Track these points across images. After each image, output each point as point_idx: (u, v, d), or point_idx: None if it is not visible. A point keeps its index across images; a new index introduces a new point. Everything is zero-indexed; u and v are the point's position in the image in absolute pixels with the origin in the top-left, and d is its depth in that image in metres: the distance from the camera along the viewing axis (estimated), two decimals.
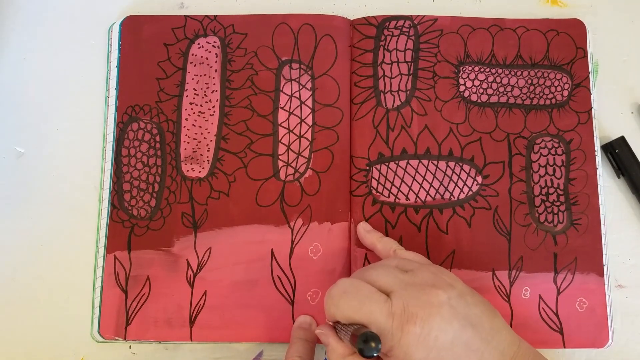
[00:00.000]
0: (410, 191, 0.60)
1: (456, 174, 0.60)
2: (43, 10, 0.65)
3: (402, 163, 0.60)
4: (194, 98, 0.62)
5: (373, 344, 0.41)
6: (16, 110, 0.63)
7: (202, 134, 0.61)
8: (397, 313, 0.44)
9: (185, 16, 0.63)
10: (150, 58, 0.63)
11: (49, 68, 0.64)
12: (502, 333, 0.47)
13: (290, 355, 0.53)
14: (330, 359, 0.49)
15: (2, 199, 0.61)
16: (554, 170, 0.60)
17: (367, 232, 0.57)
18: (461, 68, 0.62)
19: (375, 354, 0.41)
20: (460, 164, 0.60)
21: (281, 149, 0.60)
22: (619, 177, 0.61)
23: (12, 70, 0.64)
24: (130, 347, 0.58)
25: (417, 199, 0.60)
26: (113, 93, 0.62)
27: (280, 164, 0.60)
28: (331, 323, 0.50)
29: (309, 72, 0.62)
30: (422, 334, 0.44)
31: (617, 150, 0.60)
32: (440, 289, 0.46)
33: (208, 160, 0.60)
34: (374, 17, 0.63)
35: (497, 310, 0.49)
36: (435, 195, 0.60)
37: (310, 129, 0.61)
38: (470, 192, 0.60)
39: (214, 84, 0.62)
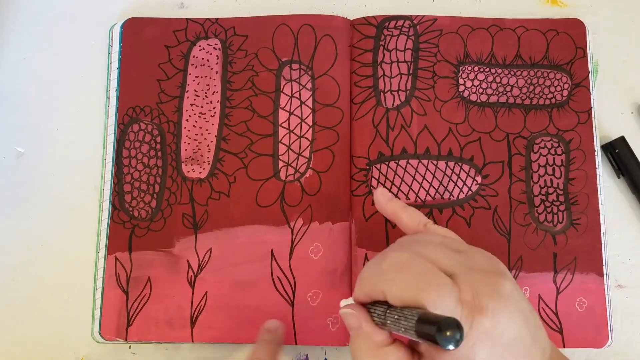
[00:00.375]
0: (410, 191, 0.60)
1: (456, 174, 0.60)
2: (43, 10, 0.65)
3: (402, 162, 0.60)
4: (194, 99, 0.62)
5: (453, 333, 0.34)
6: (16, 110, 0.63)
7: (202, 134, 0.61)
8: (466, 300, 0.38)
9: (187, 19, 0.63)
10: (151, 60, 0.63)
11: (49, 68, 0.64)
12: (542, 330, 0.42)
13: (251, 357, 0.49)
14: (358, 347, 0.41)
15: (2, 199, 0.61)
16: (554, 170, 0.60)
17: (388, 201, 0.51)
18: (461, 68, 0.63)
19: (451, 345, 0.34)
20: (460, 164, 0.60)
21: (281, 149, 0.60)
22: (619, 177, 0.61)
23: (12, 70, 0.64)
24: (130, 347, 0.58)
25: (417, 198, 0.60)
26: (113, 94, 0.62)
27: (281, 164, 0.60)
28: (362, 304, 0.43)
29: (309, 73, 0.62)
30: (490, 327, 0.38)
31: (617, 150, 0.61)
32: (503, 278, 0.41)
33: (208, 161, 0.60)
34: (373, 17, 0.63)
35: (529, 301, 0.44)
36: (435, 195, 0.60)
37: (311, 129, 0.61)
38: (470, 192, 0.60)
39: (215, 86, 0.62)
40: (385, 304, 0.41)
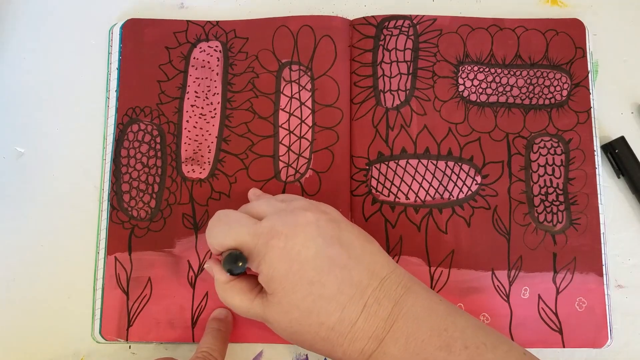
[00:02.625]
0: (410, 190, 0.60)
1: (455, 174, 0.60)
2: (43, 10, 0.65)
3: (402, 162, 0.60)
4: (195, 100, 0.62)
5: (240, 263, 0.46)
6: (16, 110, 0.63)
7: (203, 135, 0.61)
8: (263, 233, 0.47)
9: (188, 21, 0.63)
10: (151, 61, 0.63)
11: (49, 68, 0.64)
12: (375, 256, 0.48)
13: (200, 347, 0.53)
14: (217, 288, 0.51)
15: (2, 199, 0.61)
16: (553, 170, 0.60)
17: (257, 197, 0.56)
18: (460, 68, 0.63)
19: (239, 272, 0.47)
20: (460, 164, 0.60)
21: (282, 150, 0.60)
22: (619, 177, 0.61)
23: (12, 70, 0.64)
24: (130, 347, 0.58)
25: (417, 198, 0.60)
26: (113, 94, 0.62)
27: (281, 165, 0.60)
28: (218, 257, 0.51)
29: (309, 73, 0.62)
30: (285, 247, 0.46)
31: (617, 150, 0.61)
32: (310, 211, 0.48)
33: (209, 162, 0.60)
34: (373, 17, 0.63)
35: (374, 240, 0.50)
36: (434, 195, 0.60)
37: (311, 130, 0.61)
38: (470, 192, 0.60)
39: (216, 87, 0.62)
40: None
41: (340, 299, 0.45)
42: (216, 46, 0.63)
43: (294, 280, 0.46)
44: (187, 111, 0.62)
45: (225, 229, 0.48)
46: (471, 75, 0.62)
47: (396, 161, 0.60)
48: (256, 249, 0.47)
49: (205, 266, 0.53)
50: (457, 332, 0.45)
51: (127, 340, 0.57)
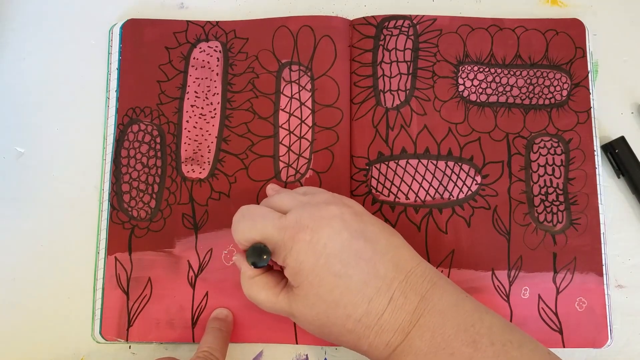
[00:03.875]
0: (410, 190, 0.60)
1: (455, 174, 0.60)
2: (43, 10, 0.65)
3: (402, 162, 0.60)
4: (195, 100, 0.62)
5: (264, 256, 0.47)
6: (16, 110, 0.63)
7: (202, 135, 0.61)
8: (289, 226, 0.47)
9: (187, 21, 0.63)
10: (151, 61, 0.63)
11: (49, 68, 0.64)
12: (400, 249, 0.48)
13: (200, 346, 0.53)
14: (242, 282, 0.52)
15: (2, 199, 0.61)
16: (553, 170, 0.60)
17: (276, 192, 0.56)
18: (460, 68, 0.63)
19: (263, 264, 0.47)
20: (460, 164, 0.60)
21: (282, 150, 0.60)
22: (619, 177, 0.61)
23: (12, 70, 0.64)
24: (130, 347, 0.58)
25: (417, 198, 0.60)
26: (113, 95, 0.62)
27: (281, 165, 0.60)
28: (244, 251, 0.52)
29: (309, 73, 0.62)
30: (311, 241, 0.46)
31: (617, 150, 0.61)
32: (334, 205, 0.49)
33: (209, 162, 0.60)
34: (373, 17, 0.63)
35: (398, 234, 0.50)
36: (434, 195, 0.60)
37: (311, 130, 0.61)
38: (470, 192, 0.60)
39: (216, 87, 0.62)
40: None
41: (366, 292, 0.46)
42: (216, 46, 0.63)
43: (320, 273, 0.46)
44: (187, 111, 0.62)
45: (250, 224, 0.49)
46: (471, 75, 0.62)
47: (396, 161, 0.60)
48: (282, 243, 0.47)
49: (233, 258, 0.53)
50: (483, 329, 0.45)
51: (127, 340, 0.57)
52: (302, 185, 0.59)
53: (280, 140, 0.61)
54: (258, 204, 0.58)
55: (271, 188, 0.56)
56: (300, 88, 0.61)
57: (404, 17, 0.63)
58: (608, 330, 0.57)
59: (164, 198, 0.60)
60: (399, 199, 0.60)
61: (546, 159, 0.61)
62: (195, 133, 0.61)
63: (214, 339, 0.54)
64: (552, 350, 0.57)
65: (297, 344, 0.57)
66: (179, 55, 0.63)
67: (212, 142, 0.61)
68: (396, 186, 0.60)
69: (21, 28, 0.65)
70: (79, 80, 0.63)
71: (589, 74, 0.62)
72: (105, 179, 0.60)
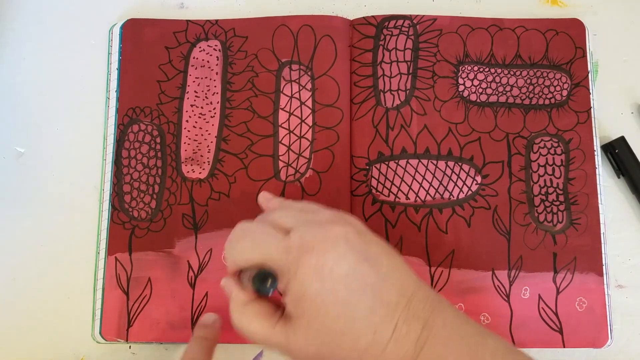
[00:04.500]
0: (410, 190, 0.60)
1: (455, 174, 0.60)
2: (43, 10, 0.65)
3: (402, 162, 0.60)
4: (194, 100, 0.62)
5: (270, 281, 0.42)
6: (16, 110, 0.63)
7: (202, 135, 0.61)
8: (294, 247, 0.44)
9: (187, 20, 0.63)
10: (151, 61, 0.63)
11: (49, 68, 0.64)
12: (401, 272, 0.46)
13: (183, 357, 0.51)
14: (232, 310, 0.47)
15: (2, 199, 0.61)
16: (553, 170, 0.60)
17: (268, 202, 0.54)
18: (460, 68, 0.63)
19: (271, 291, 0.43)
20: (460, 164, 0.60)
21: (282, 149, 0.60)
22: (619, 177, 0.61)
23: (12, 70, 0.64)
24: (130, 347, 0.58)
25: (417, 198, 0.60)
26: (113, 95, 0.62)
27: (281, 164, 0.60)
28: (235, 275, 0.49)
29: (309, 73, 0.62)
30: (317, 265, 0.43)
31: (617, 150, 0.61)
32: (338, 224, 0.45)
33: (208, 162, 0.60)
34: (373, 16, 0.63)
35: (398, 255, 0.47)
36: (434, 195, 0.60)
37: (311, 130, 0.61)
38: (470, 192, 0.60)
39: (215, 87, 0.62)
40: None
41: (372, 320, 0.43)
42: (215, 45, 0.63)
43: (326, 299, 0.43)
44: (186, 111, 0.62)
45: (251, 244, 0.46)
46: (471, 75, 0.62)
47: (396, 161, 0.60)
48: (286, 266, 0.44)
49: (221, 284, 0.48)
50: (487, 355, 0.44)
51: (127, 340, 0.57)
52: (301, 185, 0.59)
53: (280, 140, 0.61)
54: (257, 204, 0.59)
55: (264, 197, 0.54)
56: (301, 87, 0.62)
57: (404, 17, 0.63)
58: (608, 330, 0.57)
59: (165, 198, 0.60)
60: (399, 199, 0.60)
61: (546, 159, 0.61)
62: (195, 133, 0.61)
63: (198, 348, 0.52)
64: (552, 350, 0.57)
65: None
66: (179, 54, 0.63)
67: (211, 142, 0.61)
68: (396, 186, 0.60)
69: (21, 28, 0.65)
70: (79, 80, 0.64)
71: (589, 74, 0.62)
72: (106, 179, 0.60)
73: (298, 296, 0.43)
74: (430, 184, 0.60)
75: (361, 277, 0.43)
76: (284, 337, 0.45)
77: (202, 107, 0.61)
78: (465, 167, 0.60)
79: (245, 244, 0.46)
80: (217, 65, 0.62)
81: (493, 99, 0.62)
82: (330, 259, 0.43)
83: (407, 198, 0.60)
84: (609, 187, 0.62)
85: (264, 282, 0.42)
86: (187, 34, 0.63)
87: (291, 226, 0.46)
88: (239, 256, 0.46)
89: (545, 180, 0.60)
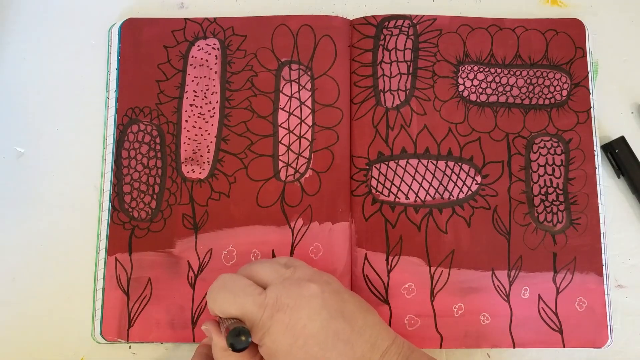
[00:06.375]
0: (410, 190, 0.60)
1: (455, 174, 0.60)
2: (43, 10, 0.65)
3: (402, 162, 0.60)
4: (194, 100, 0.62)
5: (243, 338, 0.43)
6: (16, 110, 0.63)
7: (202, 135, 0.61)
8: (269, 304, 0.46)
9: (185, 19, 0.63)
10: (150, 60, 0.63)
11: (49, 68, 0.64)
12: (376, 328, 0.48)
13: None
14: (214, 353, 0.49)
15: (2, 199, 0.61)
16: (553, 170, 0.60)
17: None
18: (460, 68, 0.63)
19: (244, 347, 0.44)
20: (460, 164, 0.60)
21: (281, 149, 0.60)
22: (619, 177, 0.61)
23: (12, 70, 0.64)
24: (130, 347, 0.58)
25: (417, 198, 0.60)
26: (113, 95, 0.62)
27: (281, 164, 0.60)
28: (217, 319, 0.50)
29: (309, 73, 0.62)
30: (290, 322, 0.45)
31: (617, 150, 0.61)
32: (314, 283, 0.48)
33: (208, 162, 0.60)
34: (373, 16, 0.63)
35: (374, 310, 0.50)
36: (434, 195, 0.60)
37: (310, 129, 0.61)
38: (470, 192, 0.60)
39: (214, 86, 0.62)
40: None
41: None
42: (214, 44, 0.63)
43: (298, 355, 0.45)
44: (186, 111, 0.62)
45: (230, 297, 0.48)
46: (471, 75, 0.62)
47: (396, 161, 0.60)
48: (260, 322, 0.46)
49: (202, 328, 0.50)
50: None
51: (127, 340, 0.57)
52: (301, 185, 0.59)
53: (279, 140, 0.61)
54: (257, 203, 0.59)
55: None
56: (300, 87, 0.61)
57: (404, 17, 0.63)
58: (608, 330, 0.57)
59: (165, 199, 0.60)
60: (399, 199, 0.60)
61: (546, 158, 0.61)
62: (195, 133, 0.61)
63: None
64: (552, 350, 0.57)
65: None
66: (178, 54, 0.63)
67: (211, 142, 0.61)
68: (396, 186, 0.60)
69: (21, 28, 0.65)
70: (79, 80, 0.64)
71: (589, 74, 0.62)
72: (106, 179, 0.60)
73: (271, 351, 0.46)
74: (430, 184, 0.60)
75: (334, 332, 0.46)
76: None
77: (201, 107, 0.61)
78: (465, 167, 0.60)
79: (224, 297, 0.48)
80: (215, 64, 0.62)
81: (493, 99, 0.62)
82: (304, 315, 0.46)
83: (407, 198, 0.60)
84: (609, 187, 0.62)
85: (237, 338, 0.44)
86: (185, 33, 0.63)
87: (269, 282, 0.49)
88: (218, 307, 0.48)
89: (545, 180, 0.60)
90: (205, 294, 0.58)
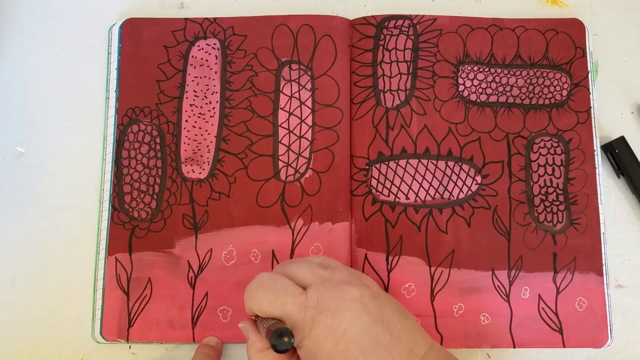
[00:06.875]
0: (410, 190, 0.60)
1: (455, 174, 0.60)
2: (43, 10, 0.65)
3: (402, 162, 0.60)
4: (194, 100, 0.62)
5: (286, 339, 0.43)
6: (16, 110, 0.63)
7: (202, 135, 0.61)
8: (310, 305, 0.46)
9: (185, 19, 0.63)
10: (150, 60, 0.63)
11: (49, 68, 0.64)
12: (414, 334, 0.48)
13: None
14: (249, 353, 0.49)
15: (2, 199, 0.61)
16: (553, 170, 0.60)
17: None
18: (460, 68, 0.63)
19: (287, 349, 0.43)
20: (460, 164, 0.60)
21: (281, 149, 0.60)
22: (619, 177, 0.61)
23: (12, 70, 0.64)
24: (130, 347, 0.58)
25: (417, 198, 0.60)
26: (113, 95, 0.62)
27: (281, 164, 0.60)
28: (253, 317, 0.51)
29: (309, 73, 0.62)
30: (332, 325, 0.45)
31: (617, 150, 0.61)
32: (354, 286, 0.47)
33: (208, 162, 0.60)
34: (373, 16, 0.63)
35: (411, 315, 0.50)
36: (434, 195, 0.60)
37: (310, 129, 0.61)
38: (470, 192, 0.60)
39: (214, 86, 0.62)
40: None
41: None
42: (214, 44, 0.63)
43: (338, 359, 0.45)
44: (186, 111, 0.61)
45: (270, 297, 0.47)
46: (471, 75, 0.62)
47: (396, 161, 0.60)
48: (302, 323, 0.46)
49: (239, 325, 0.50)
50: None
51: (127, 340, 0.57)
52: (301, 185, 0.59)
53: (279, 140, 0.61)
54: (257, 203, 0.59)
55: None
56: (300, 87, 0.61)
57: (404, 17, 0.63)
58: (608, 330, 0.57)
59: (165, 199, 0.60)
60: (399, 199, 0.60)
61: (546, 158, 0.61)
62: (195, 133, 0.61)
63: None
64: (552, 350, 0.57)
65: None
66: (178, 54, 0.63)
67: (211, 142, 0.61)
68: (396, 186, 0.60)
69: (21, 28, 0.65)
70: (79, 80, 0.64)
71: (589, 74, 0.62)
72: (106, 179, 0.60)
73: (311, 353, 0.46)
74: (430, 184, 0.60)
75: (374, 338, 0.46)
76: None
77: (201, 107, 0.61)
78: (465, 167, 0.60)
79: (264, 297, 0.47)
80: (216, 64, 0.62)
81: (493, 99, 0.62)
82: (344, 320, 0.45)
83: (407, 198, 0.60)
84: (609, 187, 0.62)
85: (280, 339, 0.43)
86: (185, 33, 0.63)
87: (309, 282, 0.48)
88: (257, 307, 0.48)
89: (545, 180, 0.60)
90: (206, 294, 0.58)
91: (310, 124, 0.61)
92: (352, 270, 0.51)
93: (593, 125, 0.61)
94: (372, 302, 0.47)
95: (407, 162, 0.60)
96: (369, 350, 0.45)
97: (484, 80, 0.62)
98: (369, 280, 0.50)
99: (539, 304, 0.58)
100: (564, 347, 0.57)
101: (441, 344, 0.57)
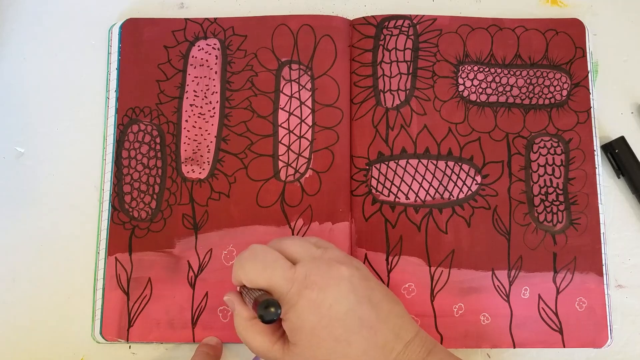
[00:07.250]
0: (410, 190, 0.60)
1: (455, 174, 0.60)
2: (43, 10, 0.65)
3: (402, 162, 0.60)
4: (194, 100, 0.62)
5: (273, 309, 0.43)
6: (16, 110, 0.63)
7: (202, 135, 0.61)
8: (298, 279, 0.46)
9: (185, 19, 0.63)
10: (150, 60, 0.63)
11: (49, 68, 0.64)
12: (401, 319, 0.48)
13: None
14: (236, 323, 0.50)
15: (2, 199, 0.61)
16: (553, 170, 0.60)
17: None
18: (460, 68, 0.63)
19: (273, 319, 0.43)
20: (460, 164, 0.60)
21: (281, 149, 0.60)
22: (619, 177, 0.61)
23: (12, 70, 0.64)
24: (130, 347, 0.58)
25: (417, 198, 0.60)
26: (113, 95, 0.62)
27: (281, 164, 0.60)
28: (239, 289, 0.51)
29: (309, 73, 0.62)
30: (317, 300, 0.45)
31: (617, 150, 0.61)
32: (345, 265, 0.48)
33: (208, 162, 0.60)
34: (373, 16, 0.63)
35: (400, 301, 0.50)
36: (434, 195, 0.60)
37: (310, 129, 0.61)
38: (470, 192, 0.60)
39: (214, 86, 0.62)
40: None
41: None
42: (214, 44, 0.63)
43: (321, 335, 0.45)
44: (186, 111, 0.61)
45: (259, 267, 0.48)
46: (471, 75, 0.62)
47: (396, 161, 0.60)
48: (288, 296, 0.46)
49: (224, 298, 0.51)
50: None
51: (127, 340, 0.57)
52: (301, 185, 0.59)
53: (279, 140, 0.61)
54: (257, 203, 0.59)
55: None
56: (300, 87, 0.61)
57: (404, 17, 0.63)
58: (608, 330, 0.57)
59: (165, 198, 0.60)
60: (399, 199, 0.60)
61: (546, 158, 0.61)
62: (195, 133, 0.61)
63: None
64: (552, 350, 0.57)
65: None
66: (178, 54, 0.63)
67: (211, 142, 0.61)
68: (396, 186, 0.60)
69: (21, 28, 0.65)
70: (79, 80, 0.64)
71: (589, 74, 0.62)
72: (106, 179, 0.60)
73: (295, 326, 0.46)
74: (430, 184, 0.60)
75: (359, 317, 0.46)
76: (280, 355, 0.48)
77: (201, 107, 0.61)
78: (465, 167, 0.60)
79: (254, 267, 0.48)
80: (216, 64, 0.62)
81: (493, 99, 0.62)
82: (330, 296, 0.46)
83: (407, 198, 0.60)
84: (609, 187, 0.62)
85: (267, 309, 0.43)
86: (185, 33, 0.63)
87: (300, 258, 0.49)
88: (245, 277, 0.48)
89: (545, 180, 0.60)
90: (206, 294, 0.58)
91: (310, 124, 0.61)
92: (346, 253, 0.51)
93: (593, 125, 0.61)
94: (362, 284, 0.47)
95: (407, 162, 0.60)
96: (353, 329, 0.45)
97: (484, 80, 0.62)
98: (361, 265, 0.50)
99: (539, 304, 0.58)
100: (564, 347, 0.57)
101: (441, 343, 0.57)
